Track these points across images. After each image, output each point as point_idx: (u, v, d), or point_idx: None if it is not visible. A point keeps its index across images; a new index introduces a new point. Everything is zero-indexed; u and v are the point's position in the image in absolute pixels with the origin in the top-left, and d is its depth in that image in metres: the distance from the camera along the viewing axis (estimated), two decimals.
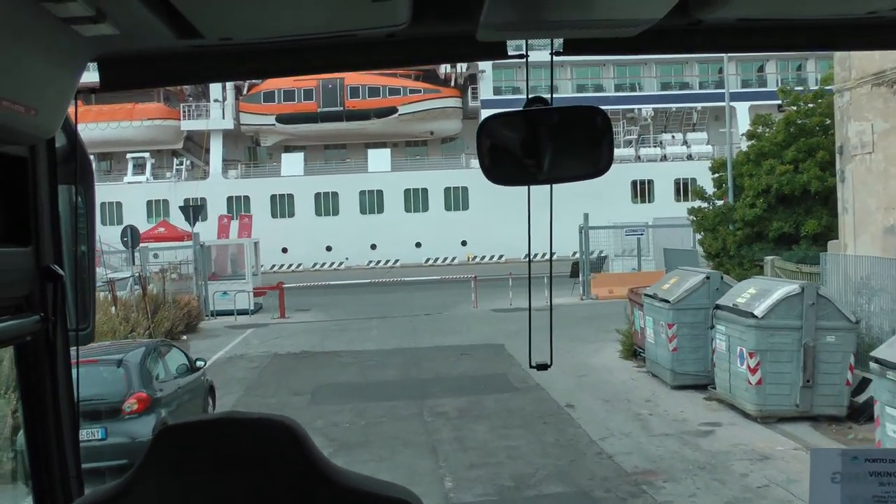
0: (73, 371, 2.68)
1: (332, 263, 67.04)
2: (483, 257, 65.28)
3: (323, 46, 2.62)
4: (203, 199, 67.90)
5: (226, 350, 26.74)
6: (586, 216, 37.66)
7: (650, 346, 19.59)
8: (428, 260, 67.15)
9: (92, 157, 3.05)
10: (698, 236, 30.79)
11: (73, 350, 2.68)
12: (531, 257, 2.89)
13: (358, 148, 73.02)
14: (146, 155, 70.39)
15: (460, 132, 71.34)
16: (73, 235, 2.70)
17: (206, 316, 35.56)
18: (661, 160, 70.95)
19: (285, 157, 71.50)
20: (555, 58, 2.56)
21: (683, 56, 58.67)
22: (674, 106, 72.37)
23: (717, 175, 31.08)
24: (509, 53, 2.66)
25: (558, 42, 2.55)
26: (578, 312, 32.48)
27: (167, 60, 2.64)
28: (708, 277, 18.20)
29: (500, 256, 62.34)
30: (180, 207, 39.95)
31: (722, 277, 18.47)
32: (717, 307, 16.66)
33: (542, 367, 2.73)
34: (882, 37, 2.67)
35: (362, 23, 2.37)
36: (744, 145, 68.94)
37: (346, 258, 66.83)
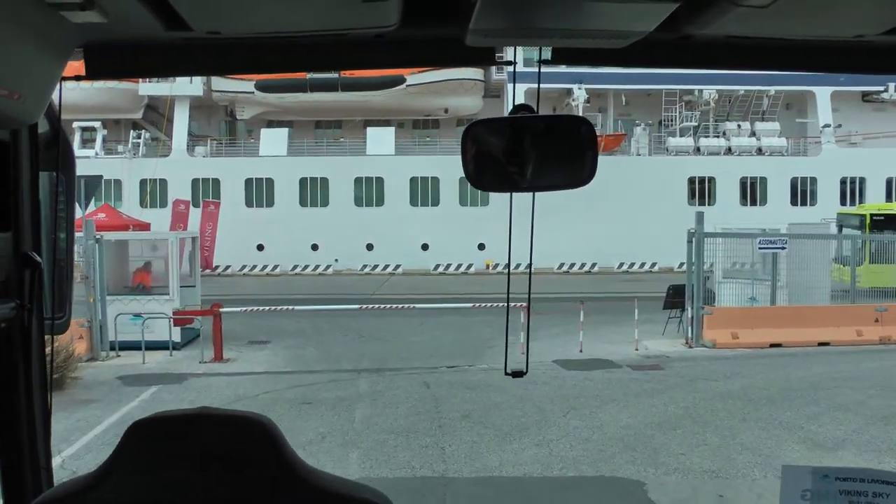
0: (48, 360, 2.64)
1: (318, 266, 54.86)
2: (505, 266, 52.16)
3: (311, 45, 2.58)
4: (163, 181, 55.83)
5: (62, 457, 13.34)
6: (700, 216, 24.32)
7: None
8: (437, 266, 54.70)
9: None
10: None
11: (48, 338, 2.67)
12: (511, 268, 3.13)
13: (355, 126, 60.83)
14: (97, 125, 58.03)
15: (481, 111, 58.36)
16: (53, 223, 2.70)
17: (104, 352, 22.45)
18: (724, 153, 58.83)
19: (265, 133, 59.02)
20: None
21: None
22: (741, 88, 60.19)
23: None
24: (498, 60, 2.75)
25: (547, 50, 2.54)
26: (704, 380, 19.08)
27: (154, 51, 2.59)
28: None
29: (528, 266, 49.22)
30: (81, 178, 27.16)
31: None
32: None
33: (518, 374, 2.76)
34: (866, 61, 2.68)
35: (352, 22, 2.34)
36: (824, 140, 57.72)
37: (336, 260, 54.61)
